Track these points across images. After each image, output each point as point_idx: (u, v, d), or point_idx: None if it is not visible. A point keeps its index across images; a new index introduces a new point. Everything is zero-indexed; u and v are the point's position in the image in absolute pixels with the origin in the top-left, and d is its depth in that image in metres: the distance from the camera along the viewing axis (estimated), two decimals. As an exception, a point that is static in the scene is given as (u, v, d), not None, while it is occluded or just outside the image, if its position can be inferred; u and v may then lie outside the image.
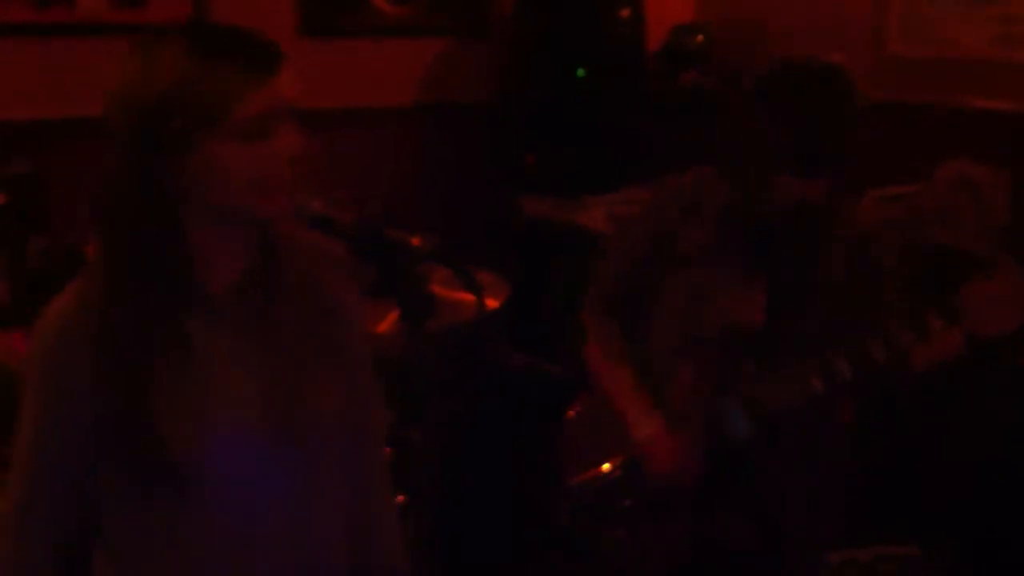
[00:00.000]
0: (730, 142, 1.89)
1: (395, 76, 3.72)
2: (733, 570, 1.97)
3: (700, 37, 3.85)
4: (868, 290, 1.90)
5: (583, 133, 3.65)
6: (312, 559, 1.35)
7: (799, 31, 3.57)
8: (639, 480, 2.00)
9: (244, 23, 1.23)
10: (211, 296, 1.27)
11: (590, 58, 3.64)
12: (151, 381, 1.22)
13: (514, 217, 3.63)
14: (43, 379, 1.25)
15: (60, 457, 1.26)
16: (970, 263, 2.57)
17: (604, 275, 2.07)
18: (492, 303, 2.20)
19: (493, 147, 3.84)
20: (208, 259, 1.26)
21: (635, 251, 2.01)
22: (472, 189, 3.79)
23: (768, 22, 3.74)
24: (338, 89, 3.43)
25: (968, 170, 2.78)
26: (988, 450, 2.56)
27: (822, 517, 2.00)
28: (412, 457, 2.00)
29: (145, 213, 1.21)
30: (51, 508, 1.28)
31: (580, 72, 3.61)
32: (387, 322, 2.08)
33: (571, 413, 2.13)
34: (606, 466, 2.04)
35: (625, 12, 3.69)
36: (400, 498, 1.89)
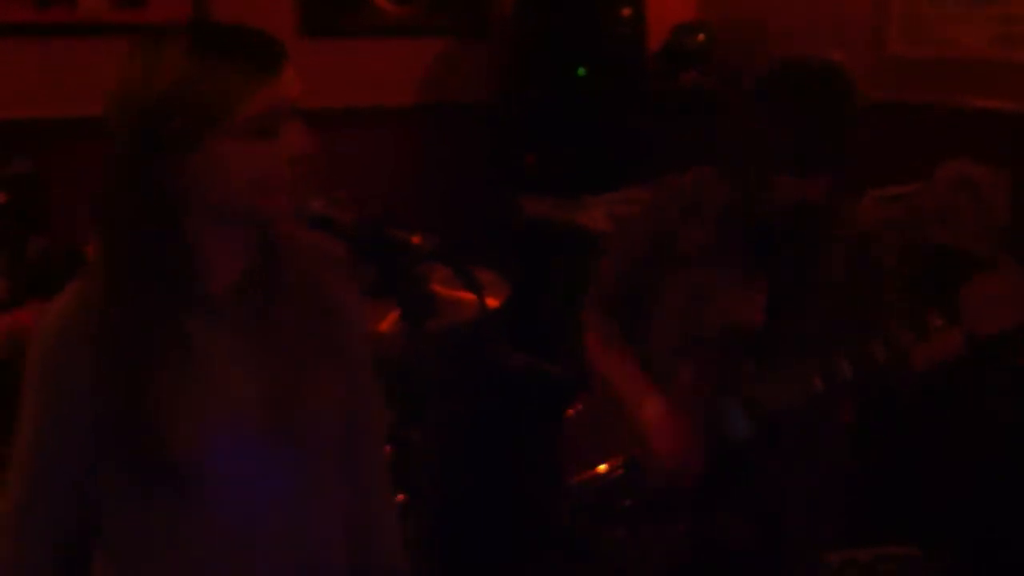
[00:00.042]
0: (730, 142, 1.89)
1: (395, 76, 3.72)
2: (733, 570, 1.97)
3: (701, 36, 3.85)
4: (868, 290, 1.90)
5: (583, 133, 3.65)
6: (312, 559, 1.35)
7: (799, 31, 3.57)
8: (639, 480, 2.00)
9: (244, 23, 1.23)
10: (211, 296, 1.27)
11: (590, 58, 3.64)
12: (151, 381, 1.22)
13: (514, 217, 3.63)
14: (43, 379, 1.25)
15: (60, 457, 1.26)
16: (970, 263, 2.57)
17: (604, 275, 2.07)
18: (492, 302, 2.20)
19: (493, 147, 3.84)
20: (208, 259, 1.26)
21: (635, 251, 2.01)
22: (472, 189, 3.79)
23: (768, 22, 3.74)
24: (338, 89, 3.43)
25: (968, 170, 2.78)
26: (988, 450, 2.56)
27: (822, 517, 2.00)
28: (412, 457, 2.00)
29: (145, 213, 1.21)
30: (51, 508, 1.27)
31: (581, 71, 3.61)
32: (388, 321, 2.08)
33: (571, 413, 2.13)
34: (606, 466, 2.04)
35: (626, 11, 3.69)
36: (400, 497, 1.89)
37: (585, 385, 2.14)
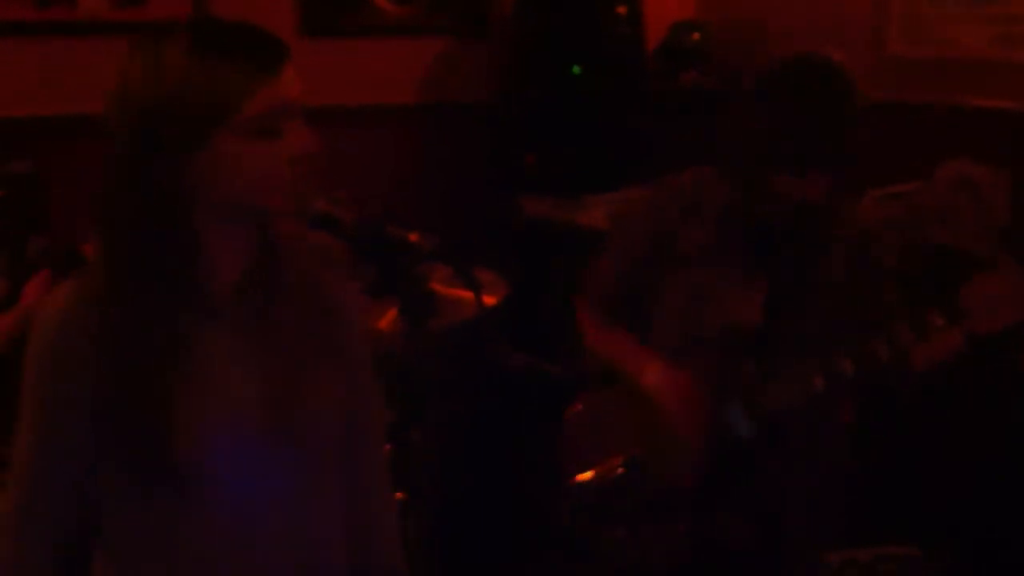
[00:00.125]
0: (730, 142, 1.89)
1: (395, 76, 3.72)
2: (733, 570, 1.97)
3: (696, 35, 3.84)
4: (868, 290, 1.91)
5: (583, 133, 3.65)
6: (312, 559, 1.35)
7: (799, 31, 3.57)
8: (639, 480, 2.00)
9: (245, 21, 1.22)
10: (211, 296, 1.27)
11: (590, 58, 3.64)
12: (151, 381, 1.22)
13: (514, 217, 3.63)
14: (41, 378, 1.25)
15: (60, 457, 1.26)
16: (970, 263, 2.57)
17: (603, 274, 2.07)
18: (490, 300, 2.19)
19: (493, 147, 3.84)
20: (209, 259, 1.26)
21: (635, 251, 2.01)
22: (472, 189, 3.79)
23: (768, 22, 3.74)
24: (338, 88, 3.43)
25: (968, 170, 2.78)
26: (988, 450, 2.56)
27: (822, 517, 2.00)
28: (412, 457, 2.00)
29: (145, 213, 1.21)
30: (51, 508, 1.27)
31: (576, 69, 3.60)
32: (386, 319, 2.08)
33: (571, 413, 2.13)
34: (606, 466, 2.04)
35: (622, 10, 3.69)
36: (399, 495, 1.88)
37: (585, 385, 2.14)
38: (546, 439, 2.18)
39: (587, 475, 2.04)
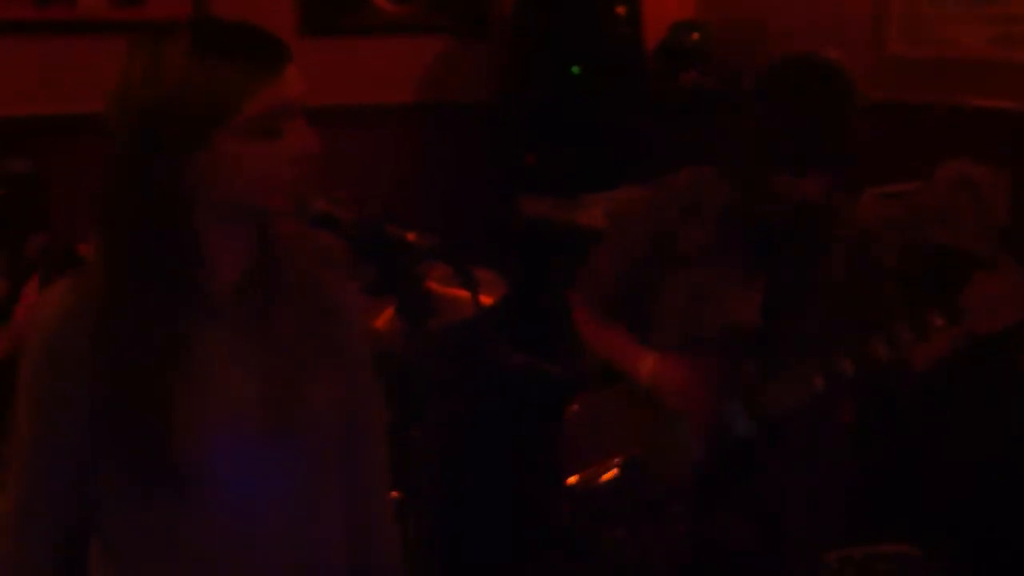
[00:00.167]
0: (730, 142, 1.89)
1: (395, 75, 3.72)
2: (733, 570, 1.97)
3: (696, 35, 3.84)
4: (868, 290, 1.91)
5: (582, 133, 3.65)
6: (312, 559, 1.35)
7: (799, 31, 3.57)
8: (639, 480, 2.00)
9: (246, 20, 1.22)
10: (211, 296, 1.26)
11: (589, 58, 3.64)
12: (150, 381, 1.22)
13: (514, 217, 3.63)
14: (38, 377, 1.25)
15: (57, 456, 1.25)
16: (970, 263, 2.57)
17: (603, 274, 2.07)
18: (487, 300, 2.19)
19: (493, 147, 3.84)
20: (209, 259, 1.25)
21: (635, 251, 2.01)
22: (472, 189, 3.79)
23: (768, 22, 3.74)
24: (338, 88, 3.43)
25: (968, 170, 2.78)
26: (988, 450, 2.56)
27: (822, 517, 2.00)
28: (412, 457, 1.99)
29: (145, 213, 1.20)
30: (50, 507, 1.27)
31: (575, 69, 3.61)
32: (384, 318, 2.08)
33: (570, 413, 2.13)
34: (606, 466, 2.03)
35: (621, 9, 3.69)
36: (395, 494, 1.88)
37: (585, 385, 2.14)
38: (546, 439, 2.18)
39: (587, 475, 2.04)
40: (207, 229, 1.24)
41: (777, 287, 1.90)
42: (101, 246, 1.25)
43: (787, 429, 1.89)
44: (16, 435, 1.27)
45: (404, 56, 3.73)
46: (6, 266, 2.64)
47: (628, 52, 3.73)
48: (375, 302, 1.87)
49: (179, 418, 1.22)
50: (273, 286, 1.29)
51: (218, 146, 1.18)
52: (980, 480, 2.55)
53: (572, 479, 2.05)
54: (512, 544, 2.86)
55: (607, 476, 2.03)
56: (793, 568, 1.99)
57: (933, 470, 2.63)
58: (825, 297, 1.89)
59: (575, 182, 3.61)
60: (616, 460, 2.03)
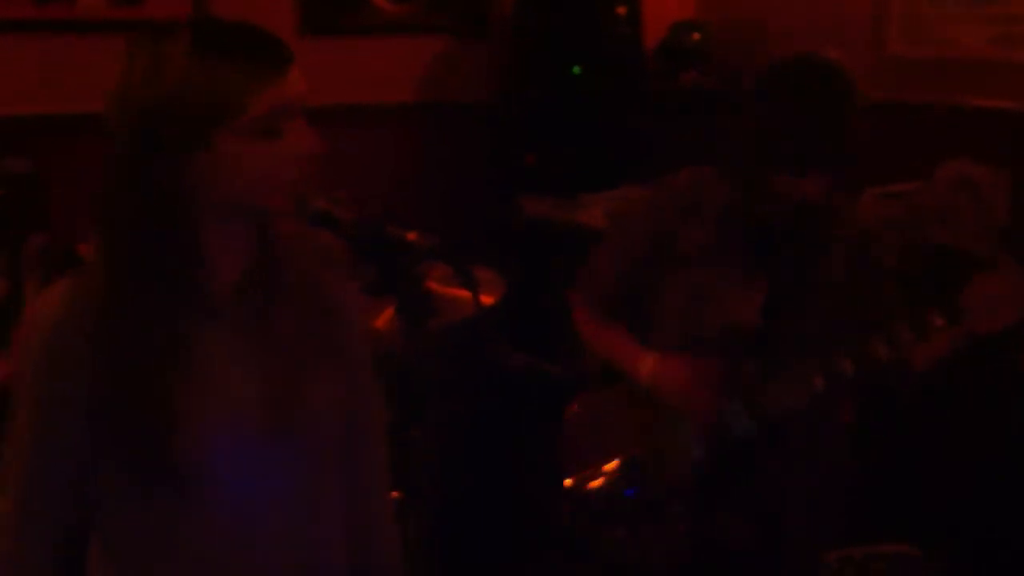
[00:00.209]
0: (730, 142, 1.89)
1: (395, 75, 3.72)
2: (733, 570, 1.97)
3: (696, 35, 3.84)
4: (868, 290, 1.91)
5: (582, 133, 3.65)
6: (312, 559, 1.35)
7: (799, 31, 3.57)
8: (639, 480, 2.00)
9: (247, 20, 1.22)
10: (211, 296, 1.26)
11: (590, 58, 3.64)
12: (150, 381, 1.22)
13: (514, 217, 3.63)
14: (36, 377, 1.25)
15: (56, 456, 1.25)
16: (970, 263, 2.57)
17: (603, 274, 2.07)
18: (488, 299, 2.19)
19: (493, 147, 3.84)
20: (209, 259, 1.25)
21: (635, 251, 2.01)
22: (472, 189, 3.79)
23: (768, 22, 3.74)
24: (338, 87, 3.43)
25: (968, 170, 2.78)
26: (988, 450, 2.56)
27: (822, 517, 2.00)
28: (412, 457, 1.99)
29: (146, 213, 1.20)
30: (49, 507, 1.27)
31: (576, 69, 3.61)
32: (383, 318, 2.08)
33: (570, 413, 2.13)
34: (606, 467, 2.04)
35: (622, 10, 3.69)
36: (395, 494, 1.88)
37: (585, 385, 2.14)
38: (546, 439, 2.18)
39: (587, 475, 2.04)
40: (207, 229, 1.24)
41: (777, 287, 1.90)
42: (101, 246, 1.25)
43: (787, 429, 1.89)
44: (16, 435, 1.27)
45: (404, 56, 3.73)
46: (6, 266, 2.64)
47: (628, 52, 3.73)
48: (375, 302, 1.87)
49: (179, 418, 1.22)
50: (273, 286, 1.29)
51: (219, 146, 1.18)
52: (980, 480, 2.55)
53: (572, 479, 2.05)
54: (512, 544, 2.86)
55: (607, 476, 2.03)
56: (793, 568, 1.99)
57: (933, 470, 2.63)
58: (825, 297, 1.89)
59: (575, 182, 3.61)
60: (616, 460, 2.03)
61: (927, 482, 2.63)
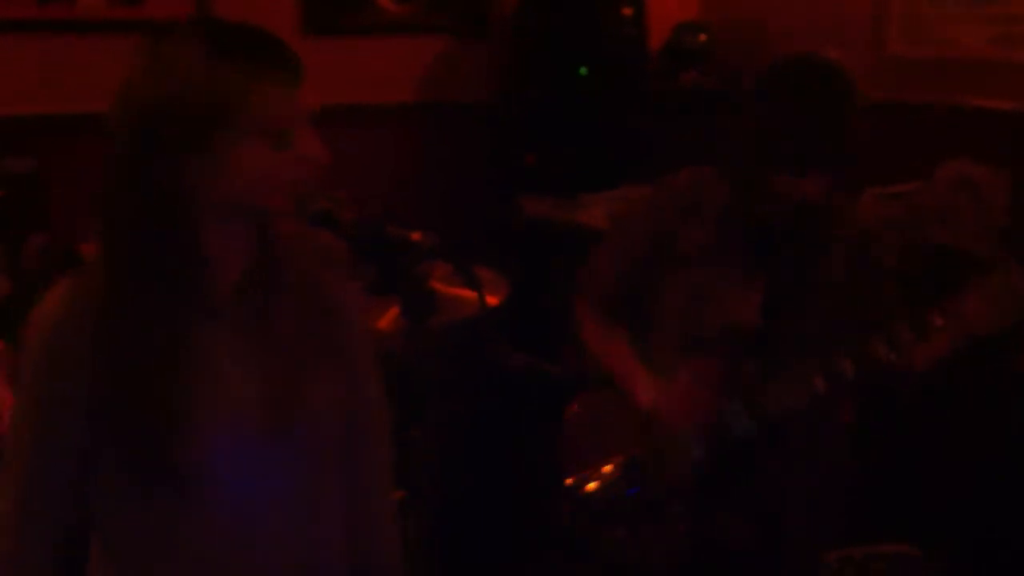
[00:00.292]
0: (730, 142, 1.89)
1: (396, 75, 3.72)
2: (733, 570, 1.97)
3: (703, 36, 3.85)
4: (868, 290, 1.90)
5: (583, 133, 3.65)
6: (312, 559, 1.35)
7: (799, 31, 3.57)
8: (639, 480, 2.00)
9: (253, 24, 1.22)
10: (211, 296, 1.26)
11: (590, 58, 3.64)
12: (151, 381, 1.22)
13: (514, 217, 3.63)
14: (37, 377, 1.25)
15: (56, 455, 1.25)
16: (970, 263, 2.57)
17: (603, 275, 2.07)
18: (492, 300, 2.19)
19: (493, 147, 3.84)
20: (209, 259, 1.25)
21: (635, 251, 2.01)
22: (472, 189, 3.79)
23: (768, 22, 3.74)
24: (338, 87, 3.43)
25: (968, 170, 2.78)
26: (988, 450, 2.56)
27: (822, 517, 2.00)
28: (412, 457, 2.00)
29: (146, 213, 1.20)
30: (48, 507, 1.27)
31: (583, 71, 3.61)
32: (387, 318, 2.08)
33: (570, 413, 2.13)
34: (606, 468, 2.04)
35: (627, 11, 3.69)
36: (398, 494, 1.89)
37: (585, 385, 2.14)
38: (546, 439, 2.18)
39: (587, 475, 2.04)
40: (207, 229, 1.24)
41: (777, 287, 1.90)
42: (101, 246, 1.25)
43: (787, 429, 1.89)
44: (16, 435, 1.27)
45: (405, 56, 3.73)
46: (6, 265, 2.64)
47: (629, 52, 3.73)
48: (377, 302, 1.87)
49: (179, 418, 1.22)
50: (273, 286, 1.30)
51: (226, 151, 1.17)
52: (980, 480, 2.55)
53: (572, 479, 2.05)
54: (512, 544, 2.86)
55: (607, 476, 2.03)
56: (793, 568, 1.99)
57: (933, 470, 2.63)
58: (825, 297, 1.89)
59: (575, 182, 3.61)
60: (616, 460, 2.03)
61: (927, 482, 2.63)
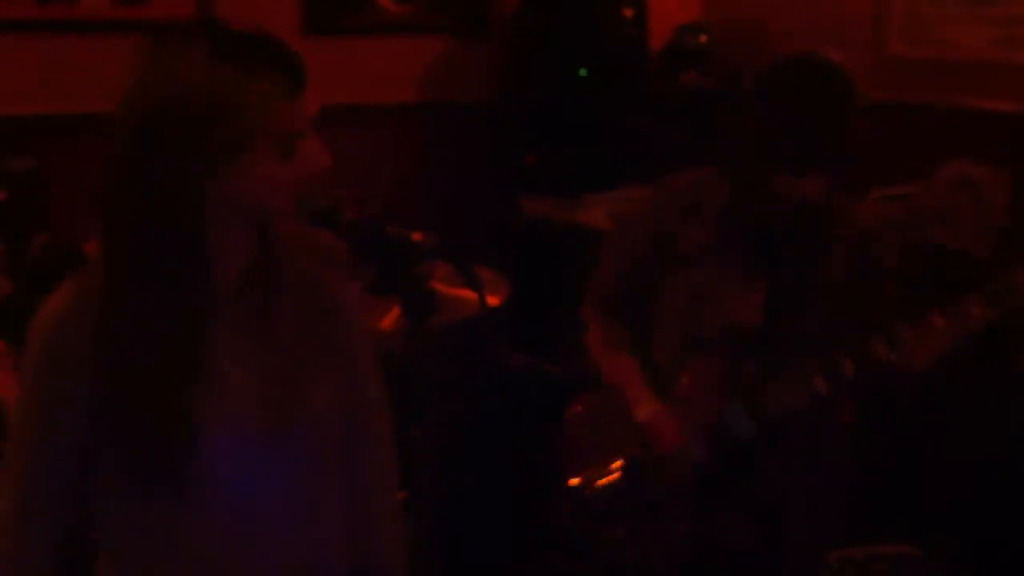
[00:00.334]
0: (730, 142, 1.89)
1: (396, 75, 3.72)
2: (733, 570, 1.97)
3: (703, 37, 3.85)
4: (868, 290, 1.90)
5: (583, 133, 3.65)
6: (312, 559, 1.35)
7: (799, 31, 3.57)
8: (639, 480, 2.00)
9: (248, 21, 1.22)
10: (211, 295, 1.26)
11: (590, 58, 3.64)
12: (151, 381, 1.22)
13: (514, 217, 3.63)
14: (38, 377, 1.25)
15: (56, 455, 1.26)
16: (970, 263, 2.58)
17: (604, 274, 2.07)
18: (493, 300, 2.20)
19: (493, 147, 3.84)
20: (209, 258, 1.25)
21: (635, 251, 2.01)
22: (472, 189, 3.79)
23: (768, 22, 3.74)
24: (339, 87, 3.43)
25: (968, 170, 2.78)
26: (988, 450, 2.56)
27: (822, 517, 2.00)
28: (412, 457, 2.00)
29: (146, 213, 1.20)
30: (48, 506, 1.27)
31: (582, 72, 3.61)
32: (389, 319, 2.08)
33: (571, 413, 2.13)
34: (606, 468, 2.04)
35: (628, 12, 3.69)
36: (401, 495, 1.89)
37: (585, 385, 2.14)
38: (546, 439, 2.18)
39: (587, 475, 2.04)
40: (207, 229, 1.23)
41: (777, 287, 1.90)
42: (102, 246, 1.25)
43: (787, 429, 1.89)
44: (16, 434, 1.27)
45: (405, 56, 3.73)
46: (7, 265, 2.64)
47: (630, 53, 3.73)
48: (377, 302, 1.87)
49: (179, 418, 1.22)
50: (273, 286, 1.30)
51: (227, 154, 1.17)
52: (980, 480, 2.55)
53: (574, 480, 2.05)
54: (512, 544, 2.86)
55: (607, 476, 2.03)
56: (793, 568, 1.99)
57: (933, 470, 2.63)
58: (825, 297, 1.89)
59: (575, 182, 3.61)
60: (616, 462, 2.03)
61: (927, 482, 2.63)
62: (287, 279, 1.31)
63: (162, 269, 1.21)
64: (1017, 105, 3.01)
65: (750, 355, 1.89)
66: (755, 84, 1.82)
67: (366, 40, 3.66)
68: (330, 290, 1.36)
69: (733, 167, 1.88)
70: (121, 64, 1.19)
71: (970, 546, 2.45)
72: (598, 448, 2.04)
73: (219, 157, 1.17)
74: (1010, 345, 2.27)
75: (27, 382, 1.26)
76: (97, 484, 1.26)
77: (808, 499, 1.97)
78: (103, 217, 1.23)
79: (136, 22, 3.12)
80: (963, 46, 3.19)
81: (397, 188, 3.63)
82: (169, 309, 1.22)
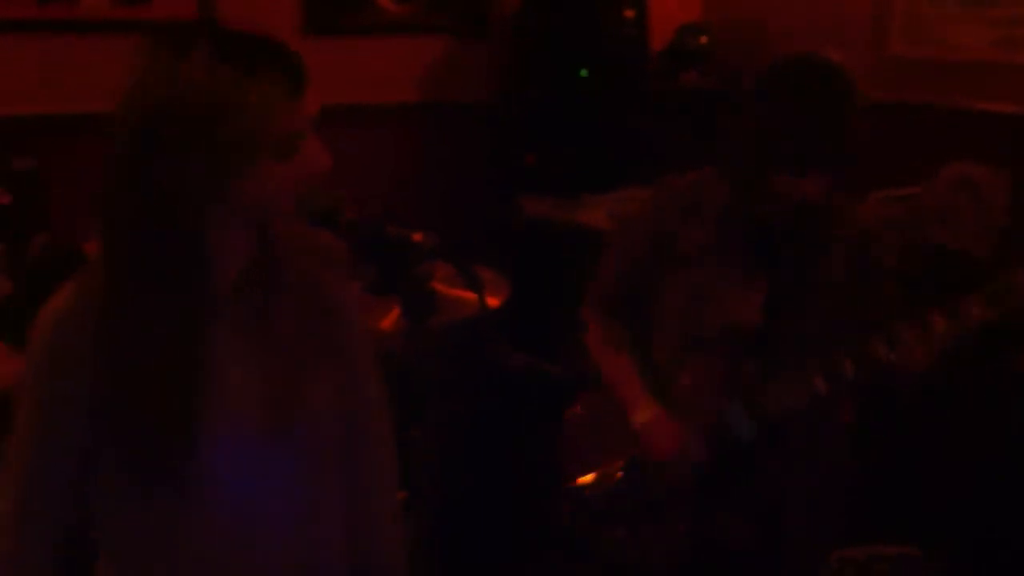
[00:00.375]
0: (730, 142, 1.89)
1: (396, 75, 3.72)
2: (733, 570, 1.97)
3: (704, 38, 3.85)
4: (868, 290, 1.91)
5: (583, 133, 3.65)
6: (312, 559, 1.35)
7: (799, 31, 3.57)
8: (639, 480, 2.00)
9: (249, 21, 1.22)
10: (211, 295, 1.26)
11: (590, 58, 3.64)
12: (150, 381, 1.22)
13: (514, 217, 3.63)
14: (39, 377, 1.25)
15: (56, 455, 1.26)
16: (970, 263, 2.57)
17: (604, 274, 2.07)
18: (493, 301, 2.20)
19: (493, 147, 3.84)
20: (209, 258, 1.25)
21: (635, 251, 2.01)
22: (472, 189, 3.79)
23: (768, 22, 3.74)
24: (339, 87, 3.43)
25: (968, 170, 2.78)
26: (988, 450, 2.56)
27: (822, 517, 2.00)
28: (412, 457, 2.00)
29: (147, 213, 1.20)
30: (48, 506, 1.27)
31: (583, 72, 3.61)
32: (390, 319, 2.08)
33: (571, 413, 2.13)
34: (606, 468, 2.04)
35: (630, 13, 3.69)
36: (401, 495, 1.89)
37: (585, 385, 2.14)
38: (546, 439, 2.19)
39: (588, 476, 2.04)
40: (207, 229, 1.23)
41: (777, 287, 1.90)
42: (102, 246, 1.25)
43: (787, 429, 1.89)
44: (16, 434, 1.27)
45: (405, 56, 3.74)
46: (7, 265, 2.64)
47: (630, 53, 3.73)
48: (377, 302, 1.87)
49: (179, 418, 1.22)
50: (273, 286, 1.30)
51: (227, 156, 1.17)
52: (980, 480, 2.55)
53: (576, 480, 2.05)
54: (512, 544, 2.86)
55: (608, 476, 2.03)
56: (793, 568, 1.99)
57: (933, 470, 2.63)
58: (825, 297, 1.89)
59: (575, 182, 3.61)
60: (617, 462, 2.03)
61: (927, 482, 2.63)
62: (287, 279, 1.31)
63: (162, 269, 1.22)
64: (1017, 106, 3.01)
65: (750, 355, 1.89)
66: (755, 84, 1.82)
67: (366, 40, 3.66)
68: (330, 290, 1.36)
69: (733, 167, 1.88)
70: (121, 64, 1.19)
71: (970, 546, 2.45)
72: (598, 448, 2.05)
73: (219, 157, 1.17)
74: (1010, 345, 2.27)
75: (28, 382, 1.26)
76: (97, 484, 1.26)
77: (808, 499, 1.97)
78: (103, 217, 1.23)
79: (136, 22, 3.12)
80: (963, 47, 3.19)
81: (397, 188, 3.63)
82: (169, 309, 1.22)
